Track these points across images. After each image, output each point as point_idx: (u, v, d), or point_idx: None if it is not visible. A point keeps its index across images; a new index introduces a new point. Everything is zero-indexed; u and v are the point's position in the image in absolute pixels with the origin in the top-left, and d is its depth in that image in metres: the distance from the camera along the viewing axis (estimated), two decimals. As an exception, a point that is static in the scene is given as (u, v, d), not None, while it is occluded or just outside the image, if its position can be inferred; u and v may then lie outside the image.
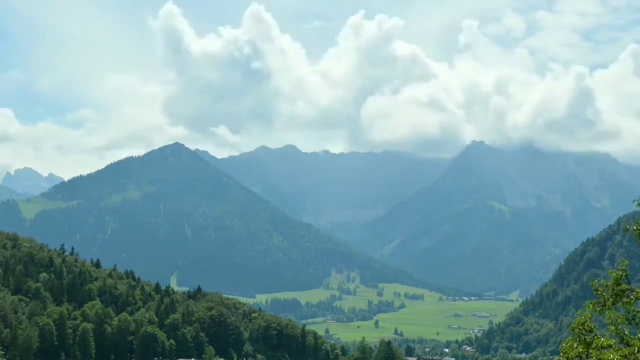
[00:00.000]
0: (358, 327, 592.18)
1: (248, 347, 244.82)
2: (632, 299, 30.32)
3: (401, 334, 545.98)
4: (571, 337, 31.89)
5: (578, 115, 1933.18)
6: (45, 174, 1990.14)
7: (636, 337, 30.30)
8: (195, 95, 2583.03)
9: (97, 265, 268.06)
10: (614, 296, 30.50)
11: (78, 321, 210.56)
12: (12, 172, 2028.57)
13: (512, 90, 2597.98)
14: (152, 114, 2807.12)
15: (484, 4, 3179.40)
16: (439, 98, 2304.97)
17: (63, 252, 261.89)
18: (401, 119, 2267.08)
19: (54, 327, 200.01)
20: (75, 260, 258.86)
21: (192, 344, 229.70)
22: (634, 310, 30.45)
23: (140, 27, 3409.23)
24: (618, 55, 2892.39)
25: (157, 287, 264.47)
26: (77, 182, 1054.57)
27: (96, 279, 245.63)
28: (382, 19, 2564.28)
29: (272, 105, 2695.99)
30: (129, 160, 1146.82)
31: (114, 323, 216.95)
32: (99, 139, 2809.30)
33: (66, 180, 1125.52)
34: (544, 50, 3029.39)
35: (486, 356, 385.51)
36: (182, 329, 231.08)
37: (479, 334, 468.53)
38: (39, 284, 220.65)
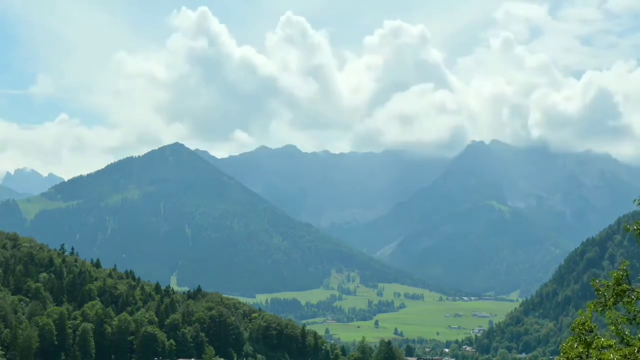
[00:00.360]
0: (358, 327, 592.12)
1: (248, 347, 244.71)
2: (632, 299, 30.29)
3: (401, 334, 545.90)
4: (571, 337, 31.83)
5: (578, 116, 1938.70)
6: (45, 174, 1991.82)
7: (636, 337, 30.27)
8: (205, 94, 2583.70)
9: (97, 265, 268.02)
10: (614, 296, 30.46)
11: (78, 321, 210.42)
12: (12, 172, 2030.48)
13: (514, 92, 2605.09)
14: (159, 114, 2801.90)
15: (487, 10, 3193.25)
16: (443, 100, 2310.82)
17: (63, 252, 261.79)
18: (407, 120, 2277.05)
19: (54, 327, 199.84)
20: (75, 260, 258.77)
21: (192, 344, 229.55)
22: (634, 310, 30.42)
23: (153, 25, 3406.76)
24: (617, 59, 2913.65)
25: (157, 287, 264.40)
26: (77, 182, 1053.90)
27: (96, 279, 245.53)
28: (393, 25, 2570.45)
29: (279, 106, 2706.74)
30: (129, 160, 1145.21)
31: (114, 323, 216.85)
32: (108, 140, 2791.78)
33: (66, 180, 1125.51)
34: (545, 54, 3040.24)
35: (486, 356, 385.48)
36: (182, 329, 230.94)
37: (479, 334, 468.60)
38: (39, 284, 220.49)
